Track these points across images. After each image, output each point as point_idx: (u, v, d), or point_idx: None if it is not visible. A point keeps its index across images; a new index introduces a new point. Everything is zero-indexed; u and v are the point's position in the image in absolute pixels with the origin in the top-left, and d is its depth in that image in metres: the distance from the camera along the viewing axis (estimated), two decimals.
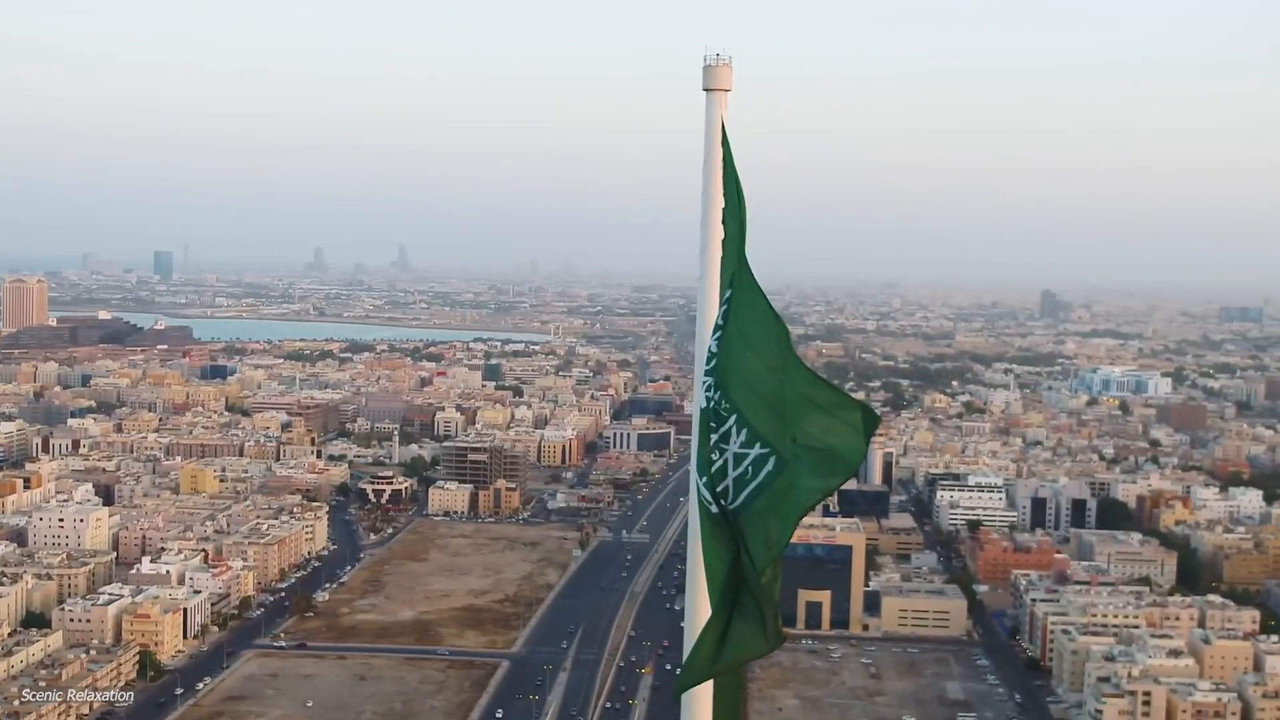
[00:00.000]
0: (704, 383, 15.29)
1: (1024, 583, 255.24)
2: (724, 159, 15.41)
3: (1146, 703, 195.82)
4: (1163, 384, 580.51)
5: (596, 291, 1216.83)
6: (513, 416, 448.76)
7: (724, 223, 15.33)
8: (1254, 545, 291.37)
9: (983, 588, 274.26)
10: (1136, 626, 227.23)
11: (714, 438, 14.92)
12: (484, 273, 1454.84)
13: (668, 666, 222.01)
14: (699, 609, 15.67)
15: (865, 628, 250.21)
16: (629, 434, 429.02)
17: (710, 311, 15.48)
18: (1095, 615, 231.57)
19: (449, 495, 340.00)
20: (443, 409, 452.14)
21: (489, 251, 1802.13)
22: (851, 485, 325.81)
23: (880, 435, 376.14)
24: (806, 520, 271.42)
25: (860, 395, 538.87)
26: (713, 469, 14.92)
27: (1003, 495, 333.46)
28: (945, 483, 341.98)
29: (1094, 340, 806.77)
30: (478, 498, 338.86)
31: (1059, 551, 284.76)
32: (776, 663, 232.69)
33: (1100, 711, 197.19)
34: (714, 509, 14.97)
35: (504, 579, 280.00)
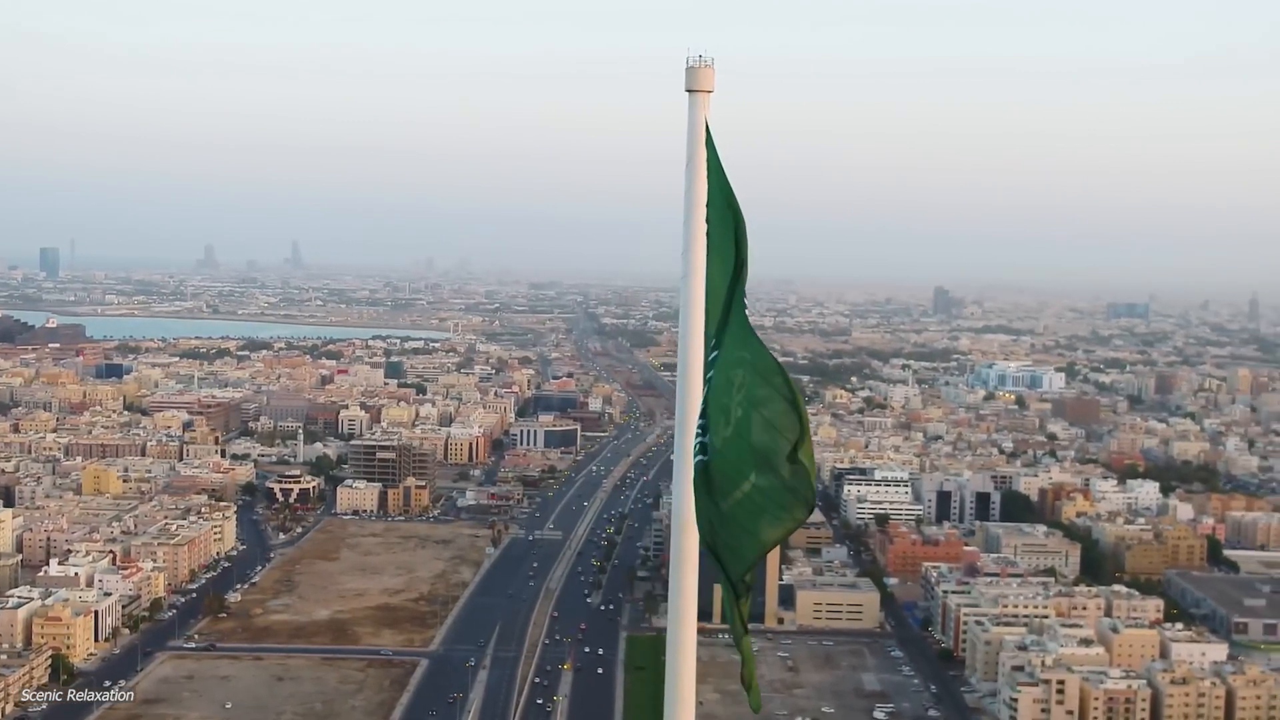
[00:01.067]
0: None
1: (935, 575, 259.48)
2: (709, 160, 15.61)
3: (1060, 691, 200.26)
4: (1056, 379, 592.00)
5: (494, 288, 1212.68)
6: (417, 414, 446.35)
7: (709, 222, 15.52)
8: (1154, 536, 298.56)
9: (893, 581, 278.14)
10: (1046, 616, 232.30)
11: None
12: (379, 269, 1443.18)
13: (594, 648, 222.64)
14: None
15: (780, 621, 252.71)
16: (536, 431, 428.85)
17: (695, 310, 15.65)
18: (1006, 606, 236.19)
19: (358, 494, 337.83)
20: (346, 407, 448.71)
21: (384, 248, 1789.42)
22: None
23: None
24: None
25: None
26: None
27: (909, 489, 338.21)
28: (852, 477, 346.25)
29: (987, 336, 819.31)
30: (387, 496, 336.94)
31: (967, 544, 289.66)
32: (695, 657, 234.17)
33: (1015, 700, 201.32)
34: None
35: (417, 577, 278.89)
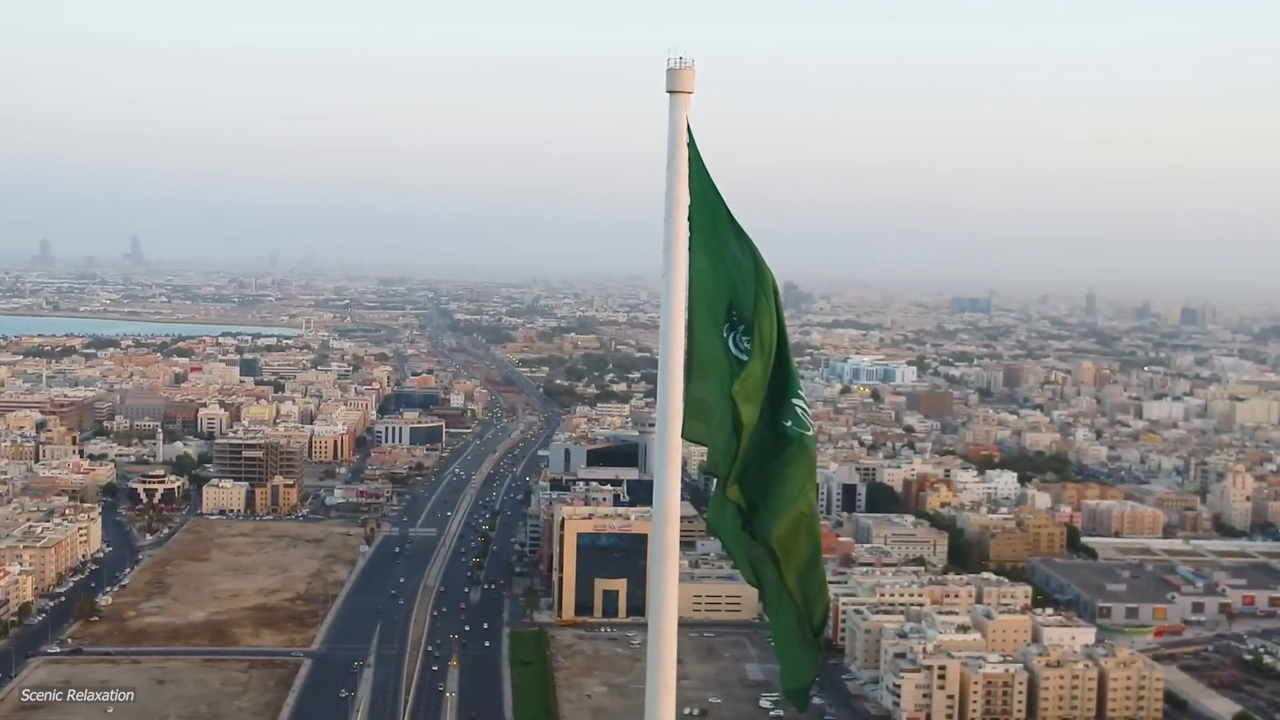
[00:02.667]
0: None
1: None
2: (691, 160, 16.01)
3: (942, 676, 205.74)
4: (909, 372, 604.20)
5: (342, 284, 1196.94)
6: (278, 412, 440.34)
7: (692, 221, 16.10)
8: (1016, 525, 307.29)
9: None
10: (922, 605, 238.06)
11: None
12: (222, 265, 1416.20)
13: (478, 644, 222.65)
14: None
15: None
16: (400, 428, 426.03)
17: (677, 306, 15.99)
18: (883, 595, 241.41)
19: (224, 493, 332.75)
20: (205, 405, 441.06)
21: (226, 243, 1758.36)
22: (633, 475, 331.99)
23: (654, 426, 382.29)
24: (601, 510, 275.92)
25: (621, 386, 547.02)
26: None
27: None
28: None
29: (838, 330, 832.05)
30: (254, 495, 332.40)
31: (839, 535, 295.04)
32: (579, 651, 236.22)
33: (899, 686, 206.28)
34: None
35: (292, 577, 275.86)
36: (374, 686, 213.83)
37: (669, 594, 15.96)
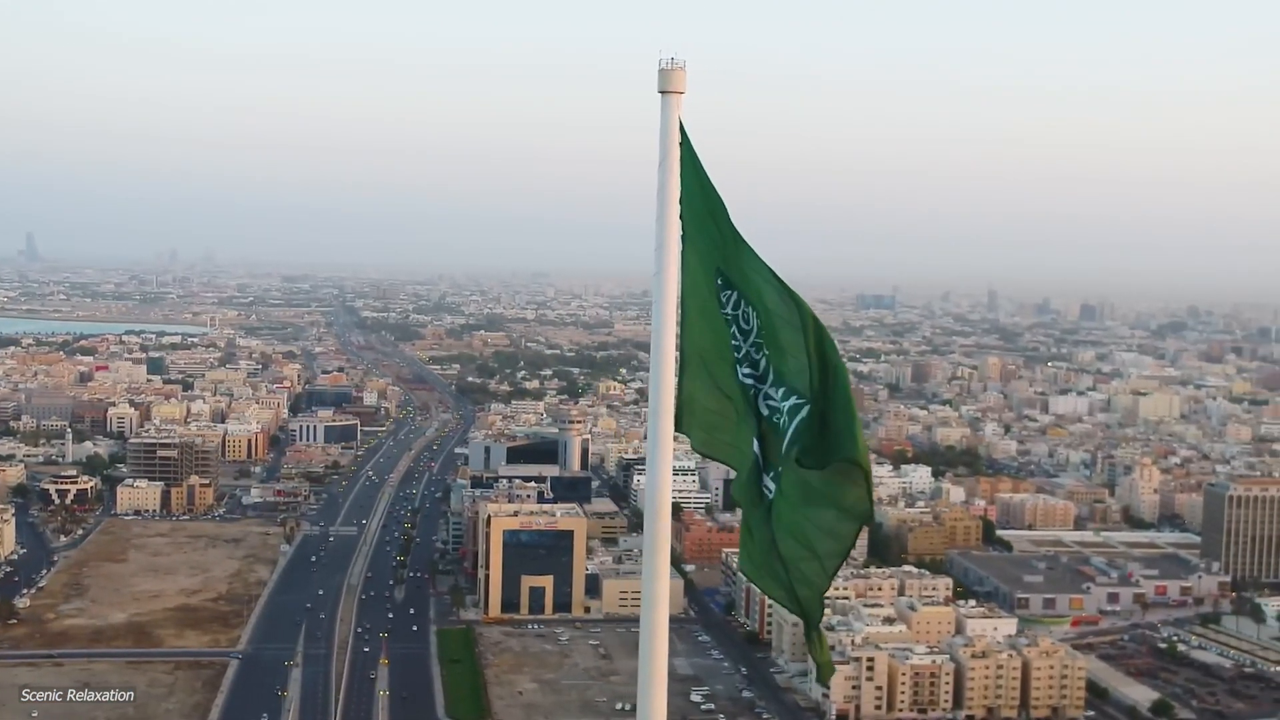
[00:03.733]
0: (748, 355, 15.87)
1: (735, 560, 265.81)
2: (685, 160, 16.05)
3: (870, 668, 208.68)
4: None
5: (245, 282, 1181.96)
6: (189, 411, 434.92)
7: (685, 221, 16.12)
8: (933, 519, 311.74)
9: (690, 567, 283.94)
10: (847, 598, 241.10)
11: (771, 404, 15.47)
12: (121, 262, 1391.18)
13: (406, 642, 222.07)
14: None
15: (587, 610, 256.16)
16: (315, 426, 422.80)
17: (668, 304, 16.06)
18: None
19: (139, 493, 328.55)
20: (114, 404, 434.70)
21: (124, 239, 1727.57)
22: (554, 472, 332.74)
23: (576, 423, 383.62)
24: (527, 507, 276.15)
25: (534, 384, 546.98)
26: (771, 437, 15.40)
27: (696, 478, 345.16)
28: (640, 467, 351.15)
29: None
30: (170, 495, 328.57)
31: None
32: (508, 648, 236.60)
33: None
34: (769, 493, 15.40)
35: (213, 577, 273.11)
36: (303, 686, 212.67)
37: (660, 586, 16.11)
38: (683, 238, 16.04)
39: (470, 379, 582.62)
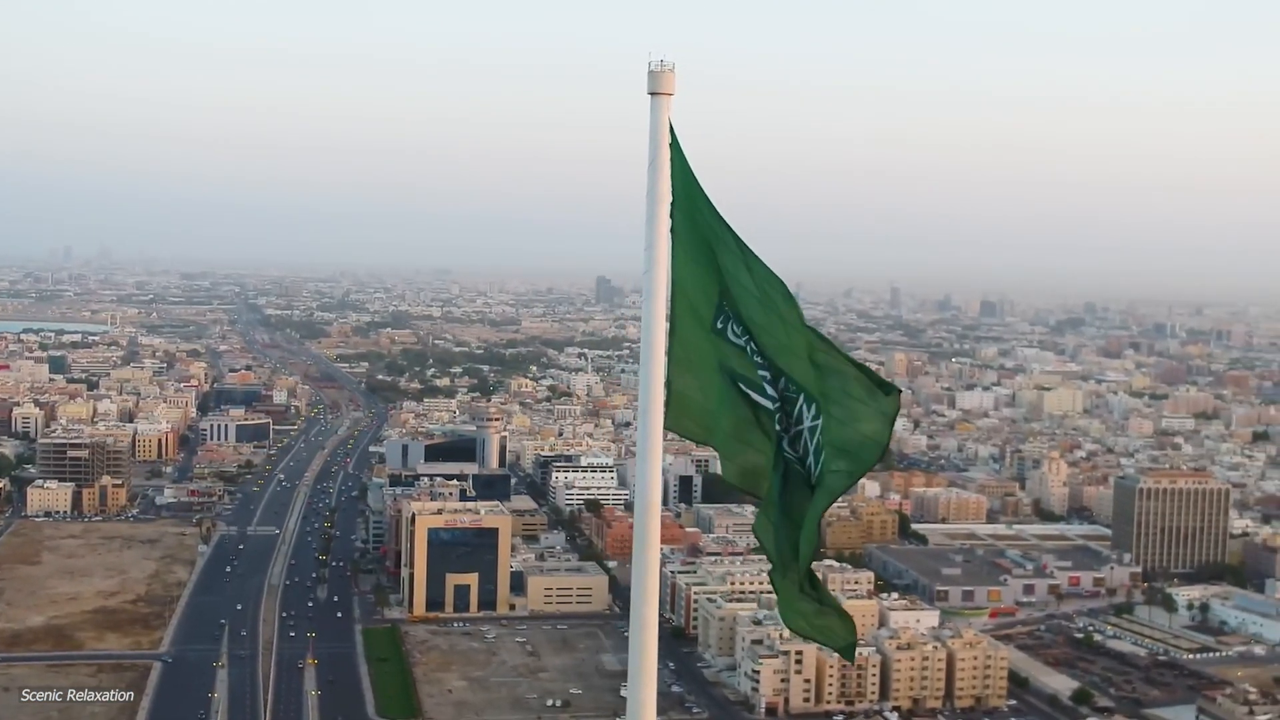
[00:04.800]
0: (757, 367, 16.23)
1: (659, 557, 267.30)
2: (675, 161, 16.24)
3: (799, 661, 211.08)
4: None
5: (143, 279, 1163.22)
6: (96, 410, 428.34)
7: (675, 220, 16.31)
8: (850, 513, 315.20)
9: (612, 564, 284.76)
10: (771, 592, 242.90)
11: (790, 421, 15.82)
12: (13, 259, 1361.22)
13: (332, 642, 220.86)
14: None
15: (512, 607, 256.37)
16: (226, 425, 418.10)
17: (658, 302, 16.24)
18: (734, 584, 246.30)
19: (50, 494, 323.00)
20: (19, 404, 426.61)
21: (13, 235, 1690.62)
22: (473, 469, 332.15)
23: (494, 420, 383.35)
24: (451, 505, 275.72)
25: (445, 381, 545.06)
26: (799, 448, 15.76)
27: (614, 474, 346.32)
28: (559, 465, 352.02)
29: None
30: (81, 496, 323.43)
31: (682, 526, 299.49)
32: (435, 646, 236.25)
33: (757, 672, 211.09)
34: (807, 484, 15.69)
35: (131, 578, 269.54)
36: (230, 687, 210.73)
37: (650, 581, 16.52)
38: (673, 237, 16.29)
39: (380, 377, 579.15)
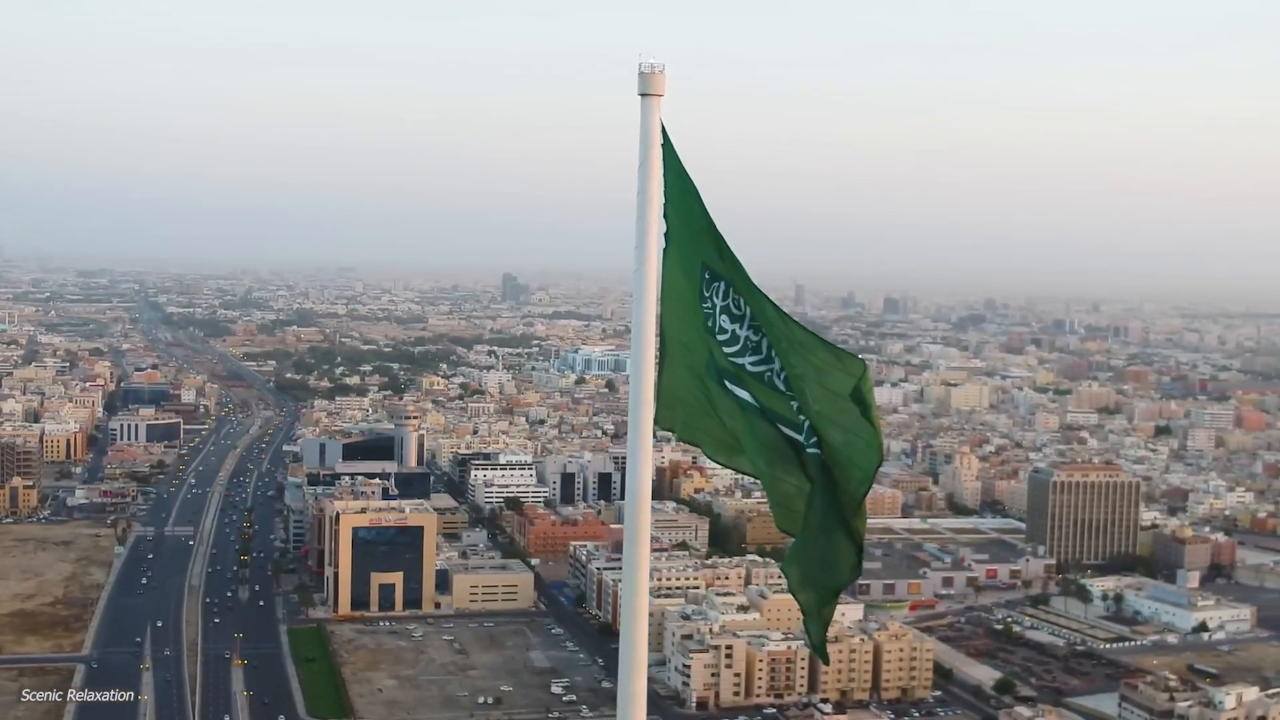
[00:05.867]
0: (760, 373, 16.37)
1: (585, 554, 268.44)
2: (668, 161, 16.40)
3: (729, 655, 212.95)
4: None
5: (38, 276, 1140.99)
6: (0, 410, 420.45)
7: (669, 219, 16.51)
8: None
9: (535, 561, 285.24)
10: (698, 587, 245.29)
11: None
12: None
13: (257, 642, 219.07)
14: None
15: (438, 606, 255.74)
16: (136, 425, 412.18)
17: (649, 301, 16.42)
18: (660, 579, 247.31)
19: None
20: None
21: None
22: (392, 468, 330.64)
23: (412, 418, 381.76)
24: (375, 504, 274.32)
25: (355, 379, 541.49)
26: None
27: (533, 472, 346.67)
28: (477, 462, 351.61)
29: (560, 321, 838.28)
30: None
31: (604, 523, 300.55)
32: (362, 646, 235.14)
33: (688, 667, 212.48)
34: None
35: (47, 581, 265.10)
36: (156, 689, 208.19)
37: (641, 575, 16.60)
38: (665, 236, 16.53)
39: (288, 375, 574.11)
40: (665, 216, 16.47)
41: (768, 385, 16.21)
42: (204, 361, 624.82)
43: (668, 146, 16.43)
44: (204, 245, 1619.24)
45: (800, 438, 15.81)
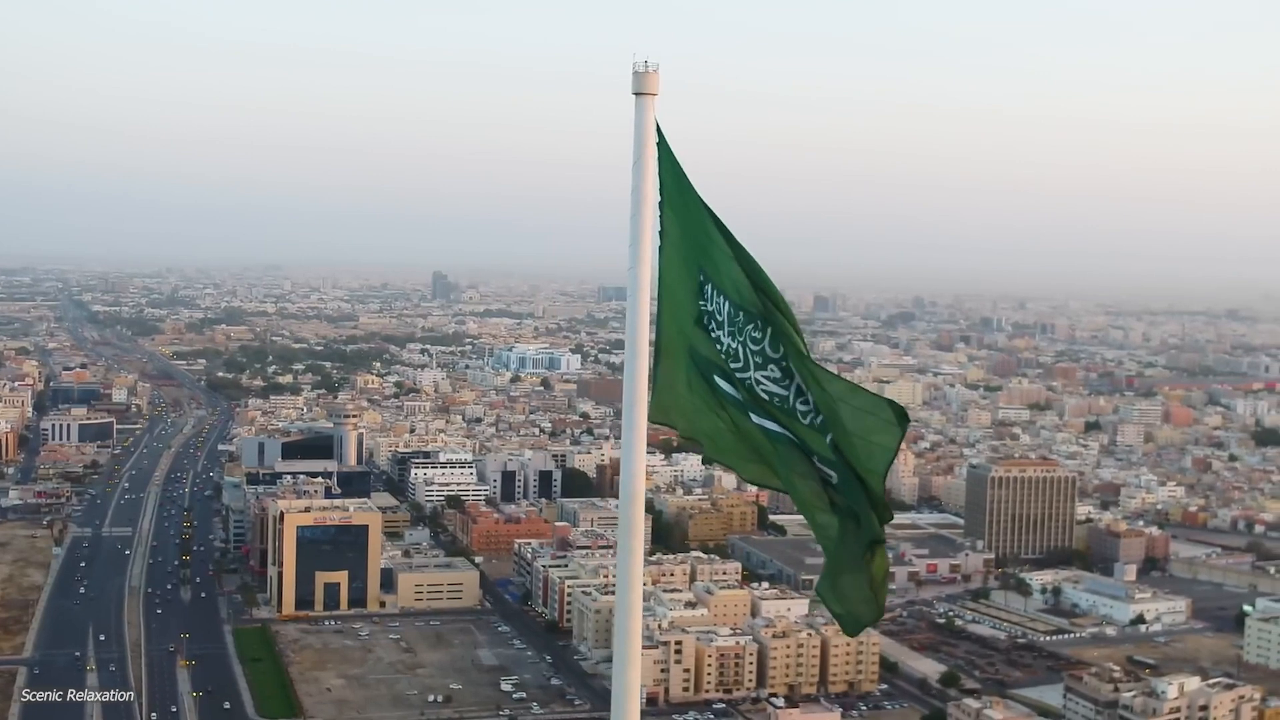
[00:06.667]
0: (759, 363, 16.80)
1: (530, 551, 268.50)
2: (664, 160, 16.66)
3: (678, 651, 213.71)
4: (572, 360, 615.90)
5: None
6: None
7: (664, 218, 16.81)
8: (711, 505, 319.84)
9: (479, 559, 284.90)
10: (644, 584, 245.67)
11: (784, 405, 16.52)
12: None
13: (202, 643, 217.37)
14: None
15: (383, 605, 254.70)
16: (68, 425, 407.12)
17: (643, 297, 16.66)
18: (607, 576, 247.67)
19: None
20: None
21: None
22: (332, 466, 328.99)
23: (351, 417, 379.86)
24: (319, 503, 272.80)
25: (287, 378, 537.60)
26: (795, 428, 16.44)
27: (473, 470, 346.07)
28: (417, 461, 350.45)
29: (492, 320, 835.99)
30: None
31: (547, 521, 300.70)
32: (308, 645, 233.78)
33: None
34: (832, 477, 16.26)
35: None
36: (102, 691, 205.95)
37: (635, 568, 16.81)
38: (661, 234, 16.85)
39: (220, 374, 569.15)
40: (661, 214, 16.74)
41: (749, 387, 16.66)
42: (133, 360, 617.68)
43: (664, 145, 16.66)
44: (125, 241, 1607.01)
45: (794, 437, 16.40)
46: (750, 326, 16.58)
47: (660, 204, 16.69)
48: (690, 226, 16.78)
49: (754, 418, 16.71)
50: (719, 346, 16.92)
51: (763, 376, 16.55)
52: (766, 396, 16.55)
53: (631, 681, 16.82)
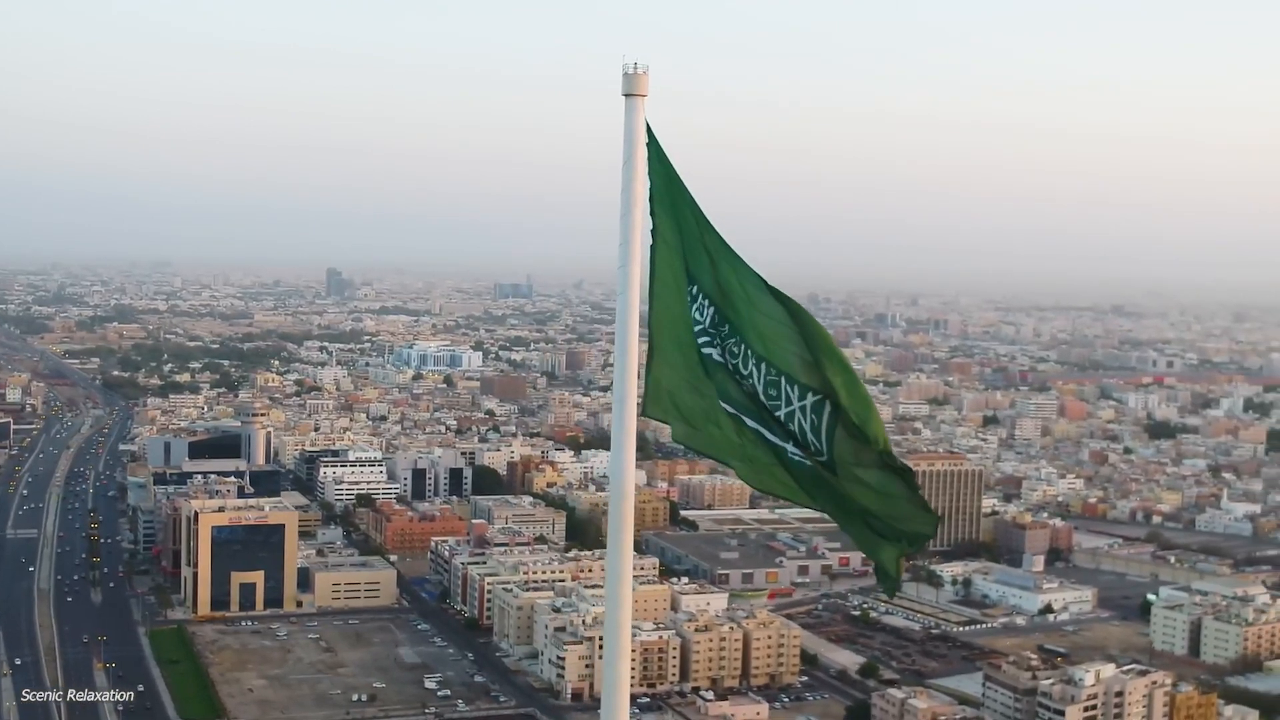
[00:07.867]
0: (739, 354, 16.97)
1: (448, 549, 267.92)
2: (654, 160, 16.78)
3: (603, 646, 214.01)
4: (474, 357, 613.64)
5: None
6: None
7: (656, 217, 16.85)
8: None
9: (393, 558, 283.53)
10: (564, 580, 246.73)
11: (780, 405, 16.54)
12: None
13: (117, 645, 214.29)
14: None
15: (300, 604, 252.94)
16: None
17: (633, 296, 16.64)
18: (527, 573, 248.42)
19: None
20: None
21: None
22: (240, 465, 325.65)
23: (259, 415, 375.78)
24: (234, 502, 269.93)
25: (185, 376, 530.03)
26: (794, 429, 16.47)
27: (383, 468, 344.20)
28: (326, 459, 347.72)
29: (389, 317, 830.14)
30: None
31: (461, 518, 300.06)
32: (226, 646, 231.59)
33: (562, 659, 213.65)
34: (809, 463, 16.45)
35: None
36: (18, 696, 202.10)
37: (624, 565, 16.82)
38: (652, 233, 16.84)
39: (114, 373, 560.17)
40: (652, 214, 16.82)
41: (741, 384, 16.85)
42: (23, 359, 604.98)
43: (655, 146, 16.80)
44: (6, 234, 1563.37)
45: (778, 440, 16.63)
46: (735, 325, 16.92)
47: (651, 203, 16.84)
48: (683, 225, 17.03)
49: (749, 421, 16.97)
50: (714, 346, 17.15)
51: (747, 373, 16.78)
52: (753, 392, 16.76)
53: (621, 676, 17.11)
